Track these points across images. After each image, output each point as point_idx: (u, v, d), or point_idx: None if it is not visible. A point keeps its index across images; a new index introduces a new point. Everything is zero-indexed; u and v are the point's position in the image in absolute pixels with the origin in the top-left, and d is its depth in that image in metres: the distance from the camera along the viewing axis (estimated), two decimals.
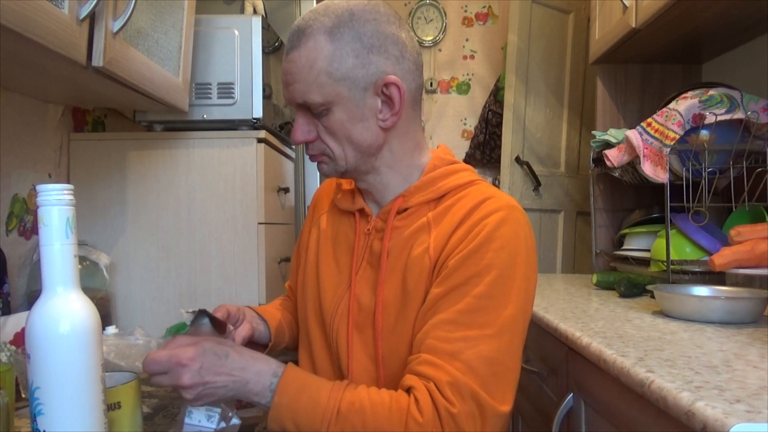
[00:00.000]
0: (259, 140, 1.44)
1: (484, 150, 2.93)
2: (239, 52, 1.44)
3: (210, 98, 1.45)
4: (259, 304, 1.44)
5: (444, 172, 0.88)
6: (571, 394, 0.98)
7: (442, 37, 3.11)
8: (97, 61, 0.97)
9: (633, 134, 1.40)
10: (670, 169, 1.33)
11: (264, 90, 1.45)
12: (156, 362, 0.72)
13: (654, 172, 1.34)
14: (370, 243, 0.88)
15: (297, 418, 0.73)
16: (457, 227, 0.82)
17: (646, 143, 1.37)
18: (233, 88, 1.44)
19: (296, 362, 0.93)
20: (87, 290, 0.62)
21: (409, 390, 0.74)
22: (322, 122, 0.83)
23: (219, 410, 0.78)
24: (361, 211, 0.91)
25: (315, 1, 2.06)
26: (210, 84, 1.45)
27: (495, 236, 0.79)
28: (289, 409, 0.73)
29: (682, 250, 1.34)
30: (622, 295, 1.34)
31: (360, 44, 0.80)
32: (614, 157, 1.52)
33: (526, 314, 0.80)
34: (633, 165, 1.46)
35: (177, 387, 0.72)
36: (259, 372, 0.75)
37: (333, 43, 0.80)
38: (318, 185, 1.76)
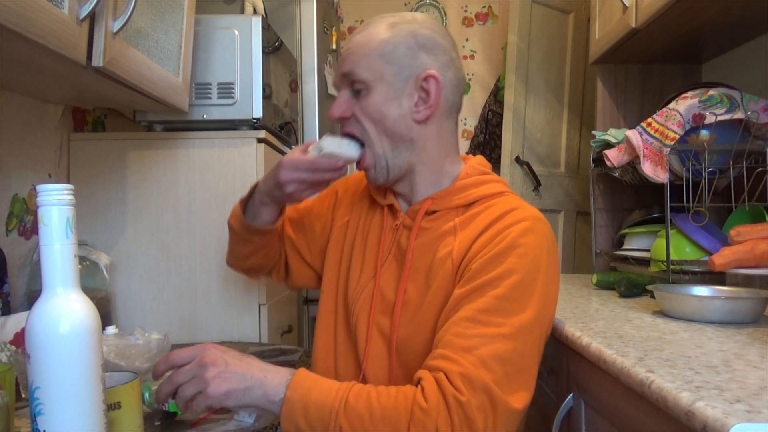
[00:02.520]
0: (259, 140, 1.44)
1: (484, 150, 2.94)
2: (239, 52, 1.44)
3: (210, 98, 1.45)
4: (260, 305, 1.45)
5: (475, 181, 0.92)
6: (571, 394, 0.98)
7: None
8: (97, 61, 0.97)
9: (633, 134, 1.40)
10: (670, 169, 1.33)
11: (264, 90, 1.45)
12: (180, 353, 0.77)
13: (654, 172, 1.34)
14: (398, 239, 0.93)
15: (308, 413, 0.74)
16: (481, 233, 0.85)
17: (646, 143, 1.37)
18: (233, 88, 1.44)
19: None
20: (87, 290, 0.62)
21: (418, 382, 0.75)
22: (360, 102, 0.91)
23: (257, 409, 0.82)
24: (390, 207, 0.97)
25: (315, 2, 2.06)
26: (210, 84, 1.45)
27: (519, 243, 0.82)
28: (300, 404, 0.74)
29: (682, 250, 1.34)
30: (622, 295, 1.34)
31: (414, 41, 0.90)
32: (614, 157, 1.52)
33: (543, 323, 0.82)
34: (633, 165, 1.46)
35: (201, 365, 0.75)
36: (277, 371, 0.78)
37: (391, 31, 0.90)
38: None
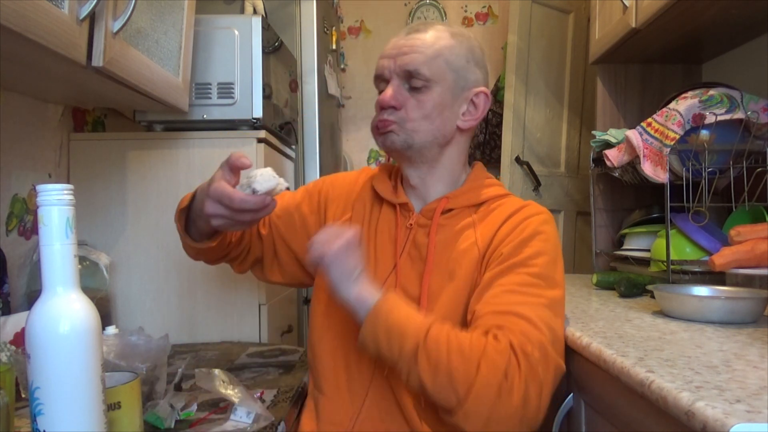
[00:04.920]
0: (259, 140, 1.44)
1: (484, 150, 2.93)
2: (239, 52, 1.44)
3: (210, 98, 1.45)
4: (260, 305, 1.45)
5: (483, 184, 1.02)
6: (571, 394, 0.98)
7: None
8: (97, 61, 0.97)
9: (633, 134, 1.40)
10: (670, 169, 1.33)
11: (264, 90, 1.45)
12: (328, 227, 0.89)
13: (654, 172, 1.34)
14: (413, 236, 0.98)
15: (389, 326, 0.81)
16: (502, 224, 0.94)
17: (646, 143, 1.37)
18: (233, 88, 1.44)
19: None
20: (87, 290, 0.62)
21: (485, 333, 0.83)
22: (418, 96, 0.96)
23: (256, 410, 0.85)
24: (403, 206, 1.01)
25: (315, 2, 2.06)
26: (210, 84, 1.45)
27: (541, 230, 0.93)
28: (386, 315, 0.82)
29: (682, 250, 1.34)
30: (622, 295, 1.34)
31: (471, 55, 0.99)
32: (614, 157, 1.52)
33: (564, 302, 0.92)
34: (633, 165, 1.46)
35: (339, 236, 0.85)
36: (377, 284, 0.89)
37: (454, 40, 0.98)
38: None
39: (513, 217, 0.95)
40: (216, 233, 0.99)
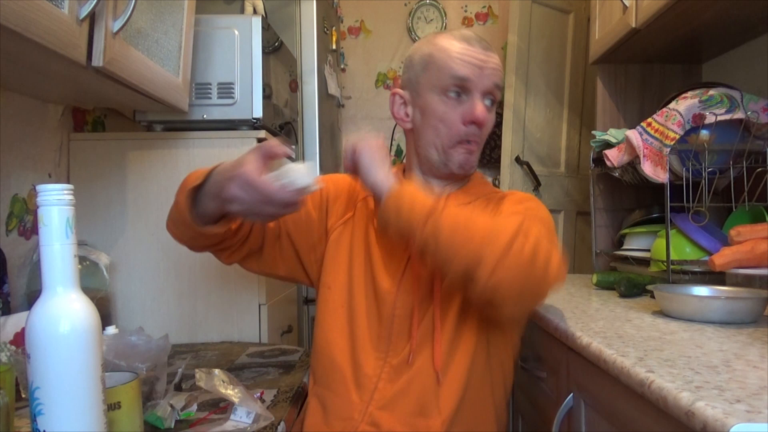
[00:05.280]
0: (259, 140, 1.44)
1: (484, 150, 2.92)
2: (239, 52, 1.44)
3: (210, 98, 1.45)
4: (260, 305, 1.45)
5: (482, 182, 1.13)
6: (571, 394, 0.98)
7: None
8: (97, 61, 0.97)
9: (633, 134, 1.40)
10: (670, 169, 1.32)
11: (264, 90, 1.45)
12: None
13: (654, 172, 1.34)
14: None
15: (413, 197, 0.87)
16: (501, 198, 1.06)
17: (646, 143, 1.36)
18: (233, 88, 1.44)
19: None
20: (87, 290, 0.62)
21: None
22: (491, 113, 1.04)
23: (256, 410, 0.85)
24: None
25: (315, 2, 2.06)
26: (210, 84, 1.45)
27: (531, 198, 1.07)
28: (411, 189, 0.89)
29: (682, 250, 1.34)
30: (622, 295, 1.34)
31: None
32: (614, 157, 1.52)
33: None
34: (633, 165, 1.45)
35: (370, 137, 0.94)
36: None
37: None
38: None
39: (507, 195, 1.06)
40: (222, 218, 0.95)
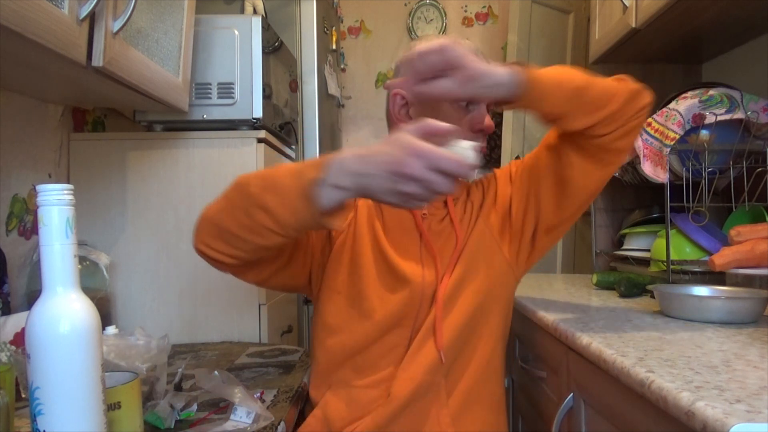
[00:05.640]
0: (259, 140, 1.44)
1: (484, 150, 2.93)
2: (239, 52, 1.44)
3: (210, 98, 1.45)
4: (260, 305, 1.45)
5: None
6: (571, 394, 0.98)
7: None
8: (97, 61, 0.97)
9: None
10: (670, 169, 1.33)
11: (264, 90, 1.45)
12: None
13: (654, 172, 1.34)
14: (429, 224, 1.04)
15: (555, 70, 0.90)
16: (488, 183, 1.10)
17: (646, 143, 1.36)
18: (233, 88, 1.44)
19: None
20: (87, 290, 0.62)
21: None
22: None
23: (256, 410, 0.85)
24: None
25: (315, 2, 2.06)
26: (210, 84, 1.45)
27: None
28: (545, 70, 0.90)
29: (682, 250, 1.34)
30: (622, 295, 1.34)
31: None
32: None
33: None
34: (633, 165, 1.45)
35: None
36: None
37: None
38: None
39: (500, 171, 1.10)
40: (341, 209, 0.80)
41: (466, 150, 0.74)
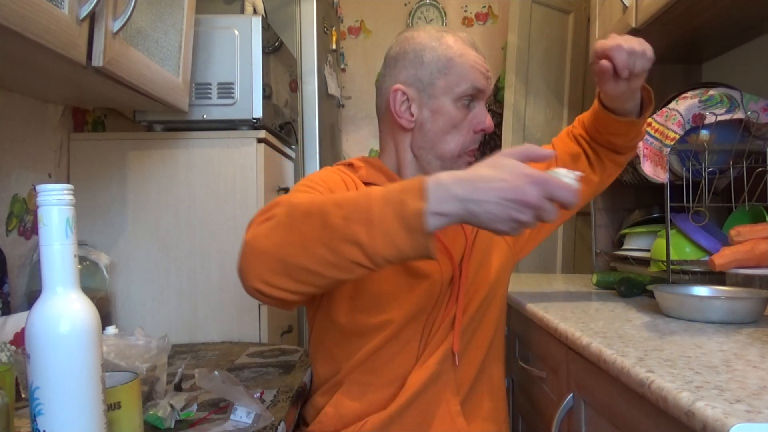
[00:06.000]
0: (259, 140, 1.44)
1: (484, 150, 2.94)
2: (239, 52, 1.44)
3: (210, 98, 1.45)
4: (260, 305, 1.45)
5: None
6: (571, 394, 0.98)
7: None
8: (97, 61, 0.97)
9: None
10: (670, 169, 1.32)
11: (264, 90, 1.45)
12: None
13: (654, 172, 1.34)
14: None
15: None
16: None
17: (646, 143, 1.36)
18: (233, 88, 1.44)
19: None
20: (87, 290, 0.62)
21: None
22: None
23: (256, 410, 0.84)
24: None
25: (315, 2, 2.06)
26: (210, 84, 1.45)
27: None
28: None
29: (682, 250, 1.34)
30: (622, 295, 1.34)
31: None
32: None
33: None
34: (633, 165, 1.45)
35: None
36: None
37: None
38: None
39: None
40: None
41: (569, 178, 0.72)
